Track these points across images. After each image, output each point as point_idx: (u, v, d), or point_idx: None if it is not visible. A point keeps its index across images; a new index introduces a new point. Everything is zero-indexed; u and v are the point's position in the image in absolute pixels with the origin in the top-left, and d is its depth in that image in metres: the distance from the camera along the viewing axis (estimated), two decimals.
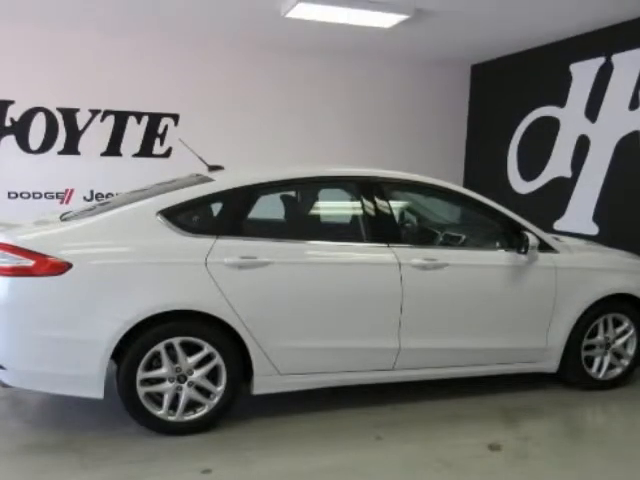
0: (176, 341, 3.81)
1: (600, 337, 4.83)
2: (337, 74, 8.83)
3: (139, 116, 8.01)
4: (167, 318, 3.78)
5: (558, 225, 7.62)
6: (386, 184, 4.47)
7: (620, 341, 4.89)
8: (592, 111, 7.25)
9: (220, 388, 3.94)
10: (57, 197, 7.77)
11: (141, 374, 3.78)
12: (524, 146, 8.43)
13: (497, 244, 4.68)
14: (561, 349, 4.71)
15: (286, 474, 3.55)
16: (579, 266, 4.76)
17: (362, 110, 9.01)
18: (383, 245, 4.28)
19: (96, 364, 3.68)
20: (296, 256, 4.08)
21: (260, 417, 4.23)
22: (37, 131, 7.61)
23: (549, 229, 7.11)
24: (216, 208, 4.21)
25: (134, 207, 4.00)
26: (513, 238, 4.56)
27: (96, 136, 7.84)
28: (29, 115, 7.55)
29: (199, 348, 3.87)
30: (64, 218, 4.23)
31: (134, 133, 8.03)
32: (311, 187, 4.83)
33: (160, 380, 3.85)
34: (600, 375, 4.87)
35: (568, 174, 7.59)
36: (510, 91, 8.68)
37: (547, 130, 7.91)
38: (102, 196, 7.89)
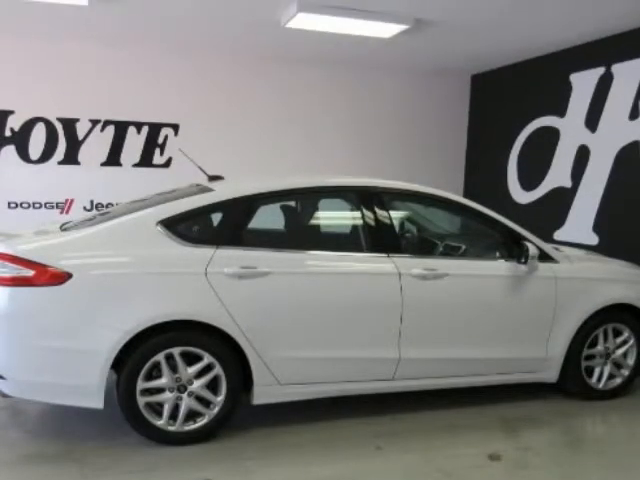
0: (176, 351, 3.81)
1: (600, 347, 4.83)
2: (337, 84, 8.86)
3: (139, 126, 8.03)
4: (167, 328, 3.78)
5: (558, 235, 7.62)
6: (386, 194, 4.48)
7: (620, 351, 4.89)
8: (592, 121, 7.26)
9: (220, 398, 3.93)
10: (57, 207, 7.79)
11: (141, 384, 3.78)
12: (524, 156, 8.44)
13: (497, 254, 4.68)
14: (561, 359, 4.70)
15: None
16: (579, 276, 4.76)
17: (362, 120, 9.03)
18: (383, 255, 4.28)
19: (96, 374, 3.68)
20: (296, 266, 4.08)
21: (260, 427, 4.22)
22: (37, 141, 7.62)
23: (549, 239, 7.12)
24: (216, 218, 4.21)
25: (134, 217, 4.01)
26: (513, 248, 4.57)
27: (96, 146, 7.86)
28: (29, 125, 7.57)
29: (199, 358, 3.86)
30: (64, 228, 4.24)
31: (134, 143, 8.04)
32: (311, 197, 4.85)
33: (160, 390, 3.85)
34: (600, 385, 4.87)
35: (568, 184, 7.59)
36: (510, 101, 8.70)
37: (547, 140, 7.92)
38: (102, 206, 7.90)
